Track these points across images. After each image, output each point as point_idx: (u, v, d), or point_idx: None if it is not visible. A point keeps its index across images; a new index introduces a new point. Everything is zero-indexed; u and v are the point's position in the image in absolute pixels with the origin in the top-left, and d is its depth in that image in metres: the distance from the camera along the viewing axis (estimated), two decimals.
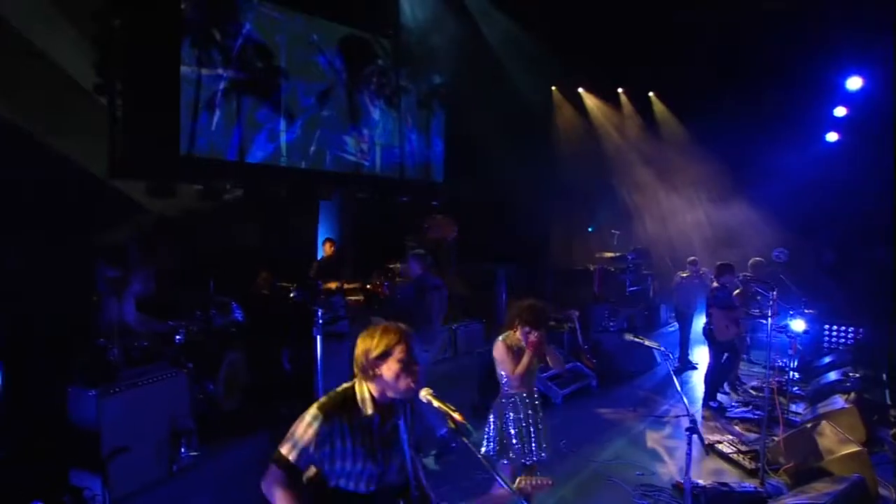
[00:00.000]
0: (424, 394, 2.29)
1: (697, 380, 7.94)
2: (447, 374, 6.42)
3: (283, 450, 2.04)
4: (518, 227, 10.30)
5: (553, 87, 12.82)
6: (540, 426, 3.56)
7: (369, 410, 2.14)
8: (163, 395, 3.58)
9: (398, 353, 2.10)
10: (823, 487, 4.17)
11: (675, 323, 8.62)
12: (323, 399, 2.14)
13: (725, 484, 4.62)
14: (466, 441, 2.16)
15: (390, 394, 2.17)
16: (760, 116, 10.45)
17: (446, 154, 11.55)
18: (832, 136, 10.72)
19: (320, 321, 5.05)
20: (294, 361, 4.99)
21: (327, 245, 7.24)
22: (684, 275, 8.18)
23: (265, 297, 5.54)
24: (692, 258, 8.35)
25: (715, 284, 6.60)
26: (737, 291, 6.73)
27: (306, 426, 2.04)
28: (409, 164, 11.01)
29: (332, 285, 6.93)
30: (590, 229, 12.06)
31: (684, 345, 8.33)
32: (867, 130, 9.87)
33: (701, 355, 8.67)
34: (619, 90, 12.80)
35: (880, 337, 8.79)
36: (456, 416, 2.18)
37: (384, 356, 2.10)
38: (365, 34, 10.12)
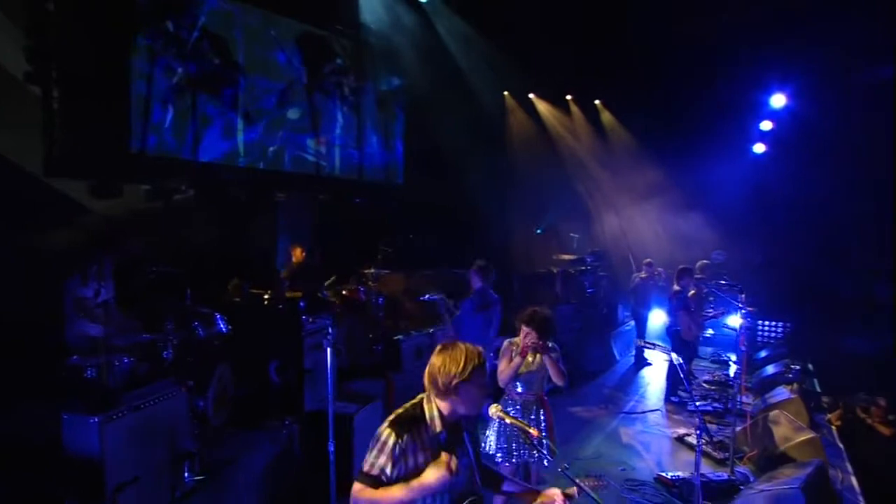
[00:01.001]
0: (495, 411, 2.33)
1: (653, 376, 8.42)
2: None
3: (365, 467, 2.06)
4: (478, 230, 10.45)
5: (505, 92, 13.09)
6: (543, 432, 3.61)
7: (438, 428, 2.16)
8: (164, 416, 3.33)
9: (479, 376, 2.14)
10: (790, 473, 4.56)
11: (632, 322, 9.09)
12: (392, 417, 2.15)
13: (702, 474, 4.93)
14: (542, 453, 2.21)
15: (461, 412, 2.17)
16: (695, 129, 11.24)
17: (406, 156, 11.49)
18: (759, 148, 11.71)
19: (309, 329, 4.94)
20: (282, 373, 4.80)
21: (297, 250, 7.01)
22: (642, 276, 8.64)
23: (248, 306, 5.27)
24: (647, 260, 8.85)
25: (676, 288, 7.02)
26: (691, 293, 7.19)
27: (382, 446, 2.06)
28: (369, 165, 10.85)
29: (299, 293, 6.72)
30: (538, 231, 12.45)
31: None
32: (791, 143, 10.89)
33: (653, 354, 9.21)
34: (568, 97, 13.31)
35: (806, 331, 9.76)
36: (531, 431, 2.24)
37: (466, 380, 2.12)
38: (323, 32, 9.86)
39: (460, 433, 2.23)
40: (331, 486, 3.62)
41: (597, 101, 13.35)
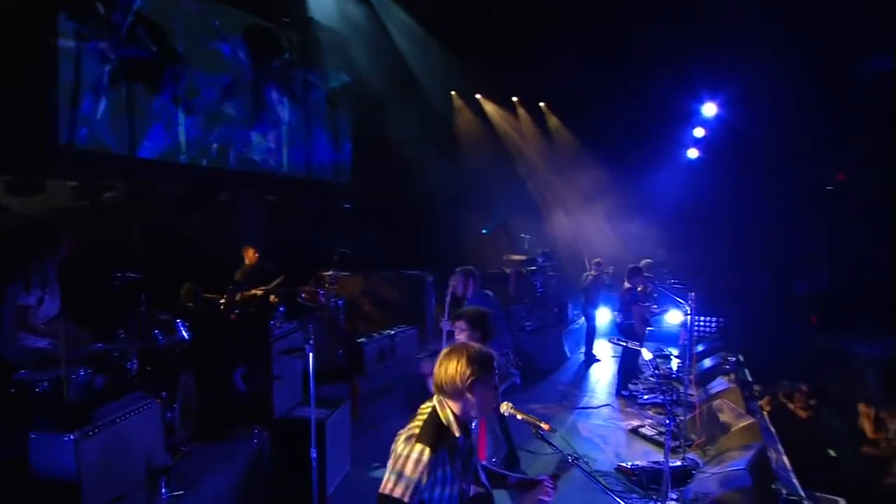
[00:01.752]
0: (506, 408, 2.44)
1: (602, 373, 8.89)
2: (387, 381, 6.46)
3: (396, 492, 2.02)
4: (428, 230, 10.58)
5: (452, 92, 13.28)
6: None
7: (457, 433, 2.20)
8: (138, 430, 3.19)
9: (491, 377, 2.21)
10: (736, 456, 5.02)
11: (582, 319, 9.54)
12: (417, 430, 2.13)
13: (658, 462, 5.32)
14: (555, 447, 2.36)
15: (473, 413, 2.26)
16: (634, 134, 11.94)
17: (354, 155, 11.42)
18: (693, 153, 12.60)
19: (277, 334, 4.87)
20: (249, 380, 4.69)
21: (250, 252, 6.81)
22: (592, 274, 9.09)
23: (210, 312, 5.10)
24: (597, 259, 9.31)
25: (627, 285, 7.48)
26: (640, 288, 7.67)
27: (416, 462, 2.04)
28: (318, 164, 10.70)
29: (257, 292, 6.57)
30: (483, 231, 12.76)
31: (590, 340, 9.25)
32: (721, 148, 11.82)
33: (601, 350, 9.71)
34: (514, 99, 13.69)
35: (737, 325, 10.64)
36: (543, 425, 2.38)
37: (480, 381, 2.18)
38: (271, 25, 9.61)
39: (469, 436, 2.32)
40: (313, 491, 3.60)
41: (541, 104, 13.83)
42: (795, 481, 5.18)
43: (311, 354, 3.55)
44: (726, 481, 4.60)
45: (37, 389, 3.49)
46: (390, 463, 2.11)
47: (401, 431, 2.21)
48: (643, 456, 5.64)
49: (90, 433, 2.83)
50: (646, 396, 7.40)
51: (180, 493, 3.31)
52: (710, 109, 11.81)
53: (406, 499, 2.01)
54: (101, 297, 4.02)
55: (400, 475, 2.04)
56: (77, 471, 2.75)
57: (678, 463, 5.36)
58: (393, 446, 2.17)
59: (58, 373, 3.53)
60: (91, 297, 4.16)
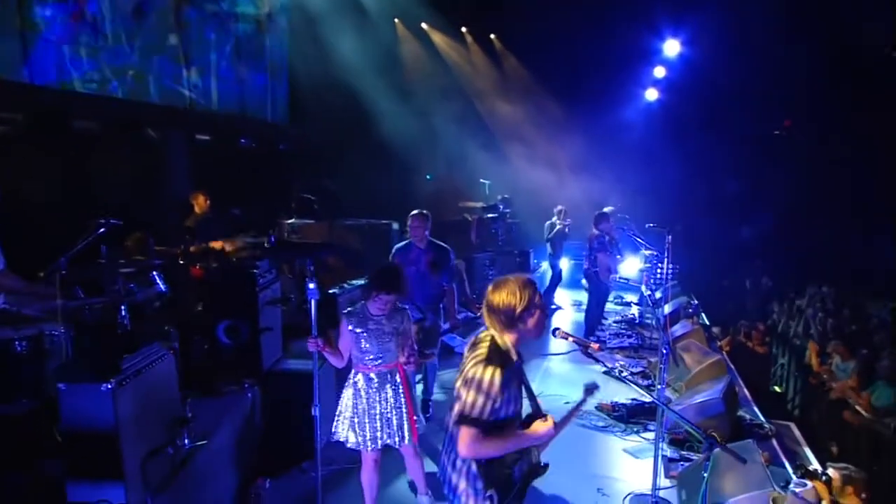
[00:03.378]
0: (558, 333, 2.98)
1: (565, 320, 9.77)
2: None
3: (474, 412, 2.49)
4: (379, 173, 10.80)
5: (396, 20, 13.20)
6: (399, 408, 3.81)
7: (515, 357, 2.72)
8: (160, 381, 3.44)
9: (537, 299, 2.71)
10: (707, 388, 5.98)
11: (544, 267, 10.32)
12: (484, 356, 2.59)
13: (636, 399, 6.20)
14: (603, 363, 2.94)
15: (531, 336, 2.76)
16: (590, 73, 12.61)
17: (291, 92, 11.28)
18: (652, 95, 13.49)
19: (262, 284, 5.12)
20: (233, 334, 4.93)
21: (200, 198, 6.82)
22: (556, 222, 9.81)
23: (187, 263, 5.22)
24: (559, 207, 10.02)
25: (595, 231, 8.22)
26: (608, 238, 8.44)
27: (489, 383, 2.49)
28: (252, 100, 10.49)
29: (219, 245, 6.67)
30: (427, 177, 13.14)
31: (552, 288, 10.07)
32: (684, 90, 12.76)
33: (561, 298, 10.60)
34: (463, 29, 13.86)
35: (690, 271, 11.89)
36: (593, 345, 2.96)
37: (532, 308, 2.67)
38: None
39: (521, 360, 2.84)
40: (316, 444, 3.88)
41: (492, 36, 14.10)
42: (756, 409, 6.26)
43: (313, 301, 3.78)
44: (702, 410, 5.53)
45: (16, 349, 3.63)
46: (461, 388, 2.59)
47: (465, 360, 2.70)
48: (620, 394, 6.49)
49: (123, 382, 3.07)
50: (614, 341, 8.33)
51: (203, 442, 3.62)
52: (672, 47, 12.57)
53: (484, 417, 2.51)
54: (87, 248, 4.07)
55: (476, 396, 2.51)
56: (115, 422, 3.00)
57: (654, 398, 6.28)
58: (460, 375, 2.66)
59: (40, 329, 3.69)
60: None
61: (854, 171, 13.35)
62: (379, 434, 3.80)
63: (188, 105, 9.21)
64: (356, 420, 3.82)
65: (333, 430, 3.93)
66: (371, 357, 3.79)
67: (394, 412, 3.82)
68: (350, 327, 3.79)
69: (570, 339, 2.99)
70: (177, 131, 8.91)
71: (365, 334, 3.76)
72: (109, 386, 3.00)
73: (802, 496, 3.49)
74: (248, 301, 4.94)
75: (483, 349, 2.64)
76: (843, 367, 7.89)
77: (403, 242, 5.80)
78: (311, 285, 3.59)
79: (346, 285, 6.98)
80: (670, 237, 6.44)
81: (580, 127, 12.56)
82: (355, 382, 3.85)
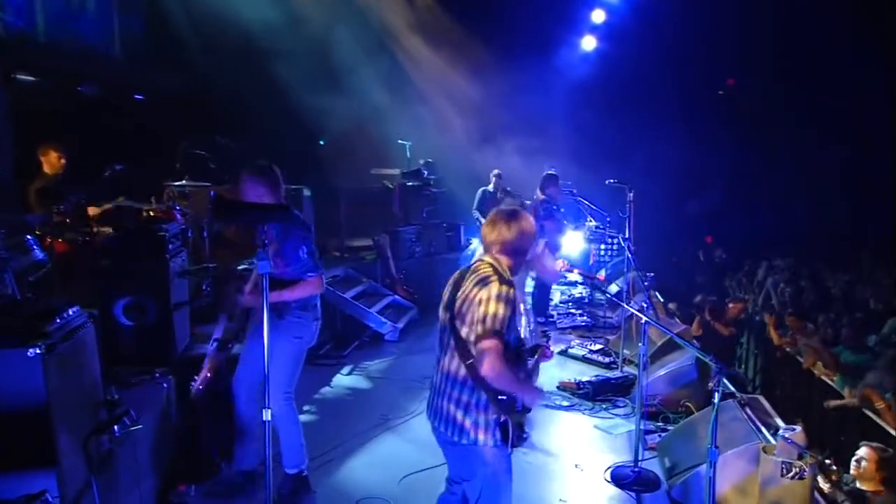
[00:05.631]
0: (562, 265, 3.54)
1: None
2: None
3: (494, 327, 2.98)
4: (285, 131, 10.81)
5: None
6: None
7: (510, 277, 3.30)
8: (83, 353, 3.52)
9: (530, 234, 3.34)
10: (678, 357, 6.77)
11: (478, 245, 10.85)
12: (492, 274, 3.15)
13: (601, 376, 6.88)
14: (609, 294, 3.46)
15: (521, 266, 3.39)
16: (518, 20, 13.31)
17: (148, 31, 11.01)
18: (589, 43, 14.42)
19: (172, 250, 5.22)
20: (135, 313, 4.97)
21: (52, 154, 6.63)
22: (490, 189, 10.36)
23: (73, 225, 5.17)
24: (496, 171, 10.58)
25: (540, 196, 8.83)
26: (555, 207, 9.09)
27: (505, 299, 3.04)
28: (90, 33, 10.12)
29: (94, 210, 6.60)
30: (321, 142, 13.33)
31: None
32: (626, 37, 13.73)
33: None
34: None
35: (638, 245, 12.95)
36: (599, 276, 3.54)
37: (514, 240, 3.29)
38: None
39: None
40: (266, 442, 3.68)
41: None
42: (726, 381, 7.14)
43: (264, 262, 3.75)
44: (674, 378, 6.31)
45: None
46: (470, 309, 3.09)
47: (464, 285, 3.21)
48: (581, 373, 7.14)
49: (52, 348, 3.17)
50: (565, 321, 9.04)
51: (138, 427, 3.75)
52: None
53: (504, 330, 3.03)
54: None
55: (491, 311, 3.02)
56: (46, 396, 3.11)
57: (618, 374, 7.00)
58: (462, 296, 3.16)
59: None
60: None
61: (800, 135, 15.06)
62: None
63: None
64: None
65: None
66: None
67: None
68: None
69: (576, 271, 3.54)
70: None
71: None
72: (38, 351, 3.08)
73: (793, 440, 4.19)
74: (157, 272, 5.02)
75: (485, 271, 3.21)
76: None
77: None
78: (263, 256, 3.55)
79: (247, 262, 7.13)
80: (632, 193, 7.10)
81: (509, 81, 13.19)
82: None
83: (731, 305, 9.77)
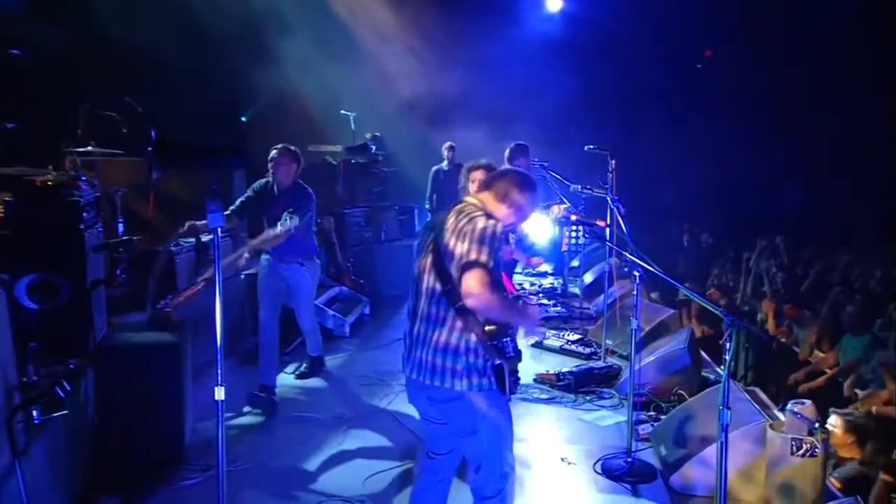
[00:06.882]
0: (558, 210, 3.75)
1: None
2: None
3: (482, 257, 3.19)
4: (210, 95, 10.61)
5: None
6: None
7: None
8: None
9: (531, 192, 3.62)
10: (667, 342, 6.95)
11: None
12: (479, 213, 3.39)
13: (583, 365, 7.01)
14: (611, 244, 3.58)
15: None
16: None
17: None
18: (555, 4, 14.64)
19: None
20: (43, 294, 4.81)
21: None
22: (444, 167, 10.41)
23: None
24: (449, 143, 10.63)
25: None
26: None
27: (492, 232, 3.27)
28: None
29: None
30: (243, 118, 13.18)
31: None
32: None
33: None
34: None
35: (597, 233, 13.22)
36: (599, 223, 3.76)
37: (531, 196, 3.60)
38: None
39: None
40: (219, 439, 3.52)
41: None
42: (718, 369, 7.35)
43: (215, 214, 3.63)
44: (665, 364, 6.47)
45: None
46: (457, 244, 3.27)
47: (450, 220, 3.40)
48: (559, 365, 7.24)
49: None
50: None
51: (63, 412, 3.67)
52: None
53: (490, 263, 3.21)
54: None
55: (480, 243, 3.23)
56: None
57: (601, 364, 7.14)
58: (448, 236, 3.33)
59: None
60: None
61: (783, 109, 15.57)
62: None
63: None
64: None
65: None
66: None
67: None
68: None
69: (574, 217, 3.70)
70: None
71: None
72: None
73: (802, 414, 4.32)
74: (70, 244, 4.88)
75: (473, 209, 3.45)
76: (798, 331, 9.37)
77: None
78: (214, 209, 3.45)
79: (182, 242, 7.03)
80: (614, 161, 7.22)
81: (467, 43, 13.29)
82: None
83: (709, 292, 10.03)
